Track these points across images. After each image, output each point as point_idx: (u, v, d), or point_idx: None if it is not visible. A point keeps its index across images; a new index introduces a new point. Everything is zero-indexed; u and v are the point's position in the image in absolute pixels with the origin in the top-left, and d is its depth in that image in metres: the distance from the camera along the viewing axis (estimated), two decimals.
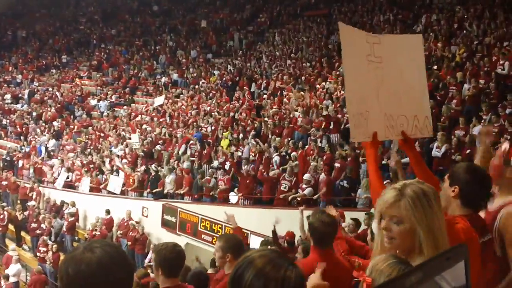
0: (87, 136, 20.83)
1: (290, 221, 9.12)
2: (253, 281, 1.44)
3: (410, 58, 3.08)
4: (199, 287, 4.39)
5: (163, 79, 24.92)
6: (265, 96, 18.66)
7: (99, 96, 25.47)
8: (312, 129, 14.18)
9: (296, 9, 26.62)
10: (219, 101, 19.84)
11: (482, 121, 11.38)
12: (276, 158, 13.51)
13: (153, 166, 16.02)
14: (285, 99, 17.26)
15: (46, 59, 31.27)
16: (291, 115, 15.59)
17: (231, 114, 17.72)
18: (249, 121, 16.60)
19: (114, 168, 17.05)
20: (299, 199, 11.91)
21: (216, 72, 23.57)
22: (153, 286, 5.57)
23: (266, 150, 14.00)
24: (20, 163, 20.13)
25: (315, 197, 11.89)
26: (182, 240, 13.40)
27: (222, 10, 30.45)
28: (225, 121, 17.23)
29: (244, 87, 20.02)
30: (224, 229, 13.02)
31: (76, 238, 16.40)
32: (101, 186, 16.97)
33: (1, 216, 16.44)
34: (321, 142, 13.43)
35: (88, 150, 19.45)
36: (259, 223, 12.10)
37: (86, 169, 17.88)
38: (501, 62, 13.43)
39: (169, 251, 3.37)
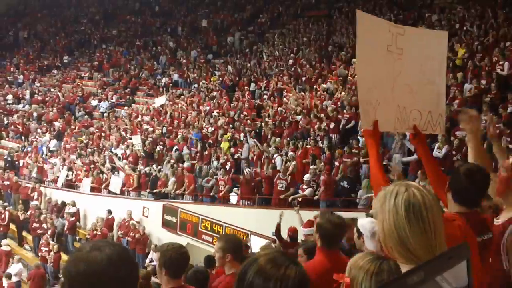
0: (87, 137, 20.85)
1: (291, 221, 9.13)
2: (253, 278, 1.46)
3: (432, 53, 3.05)
4: (197, 285, 4.39)
5: (164, 80, 24.95)
6: (265, 96, 18.67)
7: (100, 96, 25.50)
8: (311, 129, 14.19)
9: (297, 10, 26.62)
10: (219, 101, 19.86)
11: (483, 121, 11.36)
12: (277, 159, 13.52)
13: (153, 166, 16.05)
14: (285, 100, 17.27)
15: (47, 60, 31.30)
16: (291, 116, 15.58)
17: (231, 114, 17.74)
18: (248, 121, 16.60)
19: (115, 166, 17.08)
20: (299, 199, 11.92)
21: (216, 73, 23.59)
22: (155, 286, 5.58)
23: (265, 151, 14.02)
24: (22, 162, 20.16)
25: (315, 197, 11.90)
26: (182, 240, 13.39)
27: (222, 10, 30.46)
28: (225, 122, 17.24)
29: (245, 87, 20.03)
30: (224, 229, 13.05)
31: (77, 238, 16.42)
32: (103, 186, 16.98)
33: (2, 216, 16.46)
34: (322, 143, 13.43)
35: (89, 150, 19.47)
36: (259, 223, 12.12)
37: (86, 169, 17.90)
38: (501, 62, 13.42)
39: (174, 252, 3.36)
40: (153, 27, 31.57)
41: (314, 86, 17.31)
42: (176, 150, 16.74)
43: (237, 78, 21.69)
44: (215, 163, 15.19)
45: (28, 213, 16.91)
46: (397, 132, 10.56)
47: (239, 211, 13.47)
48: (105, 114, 23.46)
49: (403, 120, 2.91)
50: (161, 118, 20.32)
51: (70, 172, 18.24)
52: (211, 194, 14.27)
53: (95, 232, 15.21)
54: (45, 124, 23.27)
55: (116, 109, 23.95)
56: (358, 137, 12.88)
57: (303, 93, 17.13)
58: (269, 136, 14.88)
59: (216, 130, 16.82)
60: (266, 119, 16.11)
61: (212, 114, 18.52)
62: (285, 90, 18.11)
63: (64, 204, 17.10)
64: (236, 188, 14.02)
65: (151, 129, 19.23)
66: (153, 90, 24.65)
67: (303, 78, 18.56)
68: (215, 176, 14.35)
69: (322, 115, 14.64)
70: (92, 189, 17.27)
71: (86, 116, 23.77)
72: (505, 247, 2.66)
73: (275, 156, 13.70)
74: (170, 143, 17.45)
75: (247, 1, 29.92)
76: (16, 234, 17.30)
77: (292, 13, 26.66)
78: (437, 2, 20.98)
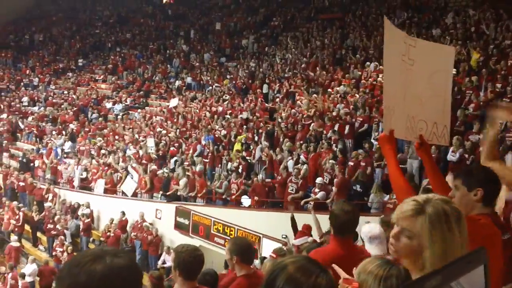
0: (101, 139, 21.03)
1: (301, 224, 9.10)
2: (284, 286, 1.45)
3: (440, 67, 3.16)
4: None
5: (177, 83, 25.09)
6: (277, 99, 18.67)
7: (114, 99, 25.71)
8: (324, 132, 14.16)
9: (310, 13, 26.59)
10: (232, 103, 19.91)
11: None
12: (290, 162, 13.51)
13: (165, 169, 16.13)
14: (298, 102, 17.24)
15: (62, 63, 31.67)
16: (304, 119, 15.54)
17: (244, 116, 17.77)
18: (261, 124, 16.61)
19: (129, 169, 17.19)
20: (312, 203, 11.89)
21: (229, 76, 23.65)
22: (168, 286, 5.60)
23: (277, 155, 13.99)
24: (36, 164, 20.39)
25: (328, 201, 11.85)
26: (195, 242, 13.41)
27: (236, 13, 30.55)
28: (237, 124, 17.28)
29: (257, 90, 20.05)
30: (236, 232, 13.07)
31: (91, 239, 16.56)
32: (118, 186, 17.08)
33: (17, 217, 16.68)
34: (336, 146, 13.37)
35: (103, 151, 19.64)
36: (271, 227, 12.11)
37: (100, 170, 18.06)
38: None
39: (188, 255, 3.38)
40: (167, 30, 31.78)
41: (328, 90, 17.27)
42: (190, 152, 16.77)
43: (250, 81, 21.73)
44: (228, 164, 15.23)
45: (43, 214, 17.11)
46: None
47: (251, 214, 13.48)
48: (119, 117, 23.66)
49: (412, 129, 3.02)
50: (174, 120, 20.43)
51: (85, 173, 18.40)
52: (223, 196, 14.31)
53: (108, 233, 15.35)
54: (59, 126, 23.53)
55: (130, 112, 24.13)
56: (372, 140, 12.83)
57: (315, 96, 17.10)
58: (281, 139, 14.87)
59: (228, 133, 16.84)
60: (279, 120, 16.11)
61: (225, 116, 18.56)
62: (298, 93, 18.09)
63: (78, 205, 17.26)
64: (249, 192, 14.01)
65: (164, 131, 19.33)
66: (166, 93, 24.81)
67: (316, 82, 18.53)
68: (228, 179, 14.38)
69: (335, 117, 14.59)
70: (106, 191, 17.41)
71: (100, 119, 24.00)
72: None
73: (287, 159, 13.68)
74: (184, 146, 17.51)
75: (260, 4, 29.98)
76: (31, 234, 17.51)
77: (306, 16, 26.64)
78: (452, 5, 20.82)
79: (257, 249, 11.25)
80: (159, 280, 5.49)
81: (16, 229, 16.64)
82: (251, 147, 15.38)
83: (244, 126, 16.84)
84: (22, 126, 24.83)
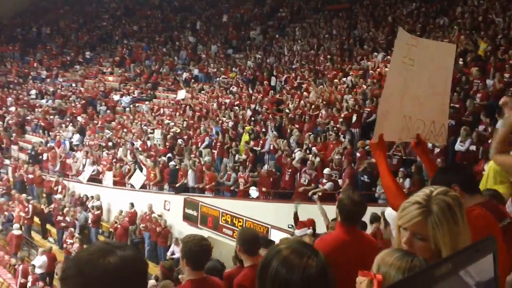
0: (109, 131, 21.11)
1: (308, 215, 9.15)
2: (278, 268, 1.58)
3: (440, 65, 3.16)
4: None
5: (184, 75, 25.07)
6: (285, 91, 18.63)
7: (122, 91, 25.77)
8: (331, 123, 14.12)
9: (317, 4, 26.40)
10: (239, 95, 19.89)
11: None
12: (298, 154, 13.49)
13: (172, 161, 16.18)
14: (305, 94, 17.20)
15: (70, 55, 31.74)
16: (312, 110, 15.51)
17: (252, 107, 17.75)
18: (270, 115, 16.59)
19: (138, 161, 17.27)
20: (320, 194, 11.89)
21: (236, 68, 23.60)
22: (176, 276, 5.67)
23: (285, 147, 13.97)
24: (45, 156, 20.53)
25: (337, 192, 11.85)
26: (203, 233, 13.38)
27: (243, 5, 30.40)
28: (245, 115, 17.26)
29: (265, 82, 20.01)
30: (244, 223, 13.12)
31: (100, 231, 16.71)
32: (126, 178, 17.17)
33: (27, 209, 16.84)
34: (344, 137, 13.35)
35: (111, 143, 19.73)
36: (279, 217, 12.14)
37: (109, 163, 18.17)
38: None
39: (195, 244, 3.41)
40: (174, 22, 31.72)
41: (335, 80, 17.20)
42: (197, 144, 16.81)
43: (257, 73, 21.67)
44: (236, 156, 15.26)
45: (52, 206, 17.25)
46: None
47: (259, 205, 13.53)
48: (127, 109, 23.72)
49: (408, 129, 3.03)
50: (182, 112, 20.45)
51: (95, 167, 18.48)
52: (231, 188, 14.36)
53: (116, 225, 15.48)
54: (68, 119, 23.64)
55: (138, 104, 24.18)
56: None
57: (322, 87, 17.03)
58: (289, 130, 14.86)
59: (235, 124, 16.84)
60: (287, 111, 16.08)
61: (233, 107, 18.55)
62: (305, 84, 18.04)
63: (87, 197, 17.39)
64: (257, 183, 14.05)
65: (172, 123, 19.37)
66: (174, 85, 24.81)
67: (324, 72, 18.46)
68: (236, 170, 14.42)
69: (343, 107, 14.55)
70: (115, 183, 17.51)
71: (108, 111, 24.07)
72: None
73: (295, 151, 13.68)
74: (191, 137, 17.53)
75: None
76: (40, 227, 17.68)
77: (313, 7, 26.46)
78: None
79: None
80: (170, 270, 5.56)
81: (25, 221, 16.82)
82: (260, 136, 15.37)
83: (252, 118, 16.84)
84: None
